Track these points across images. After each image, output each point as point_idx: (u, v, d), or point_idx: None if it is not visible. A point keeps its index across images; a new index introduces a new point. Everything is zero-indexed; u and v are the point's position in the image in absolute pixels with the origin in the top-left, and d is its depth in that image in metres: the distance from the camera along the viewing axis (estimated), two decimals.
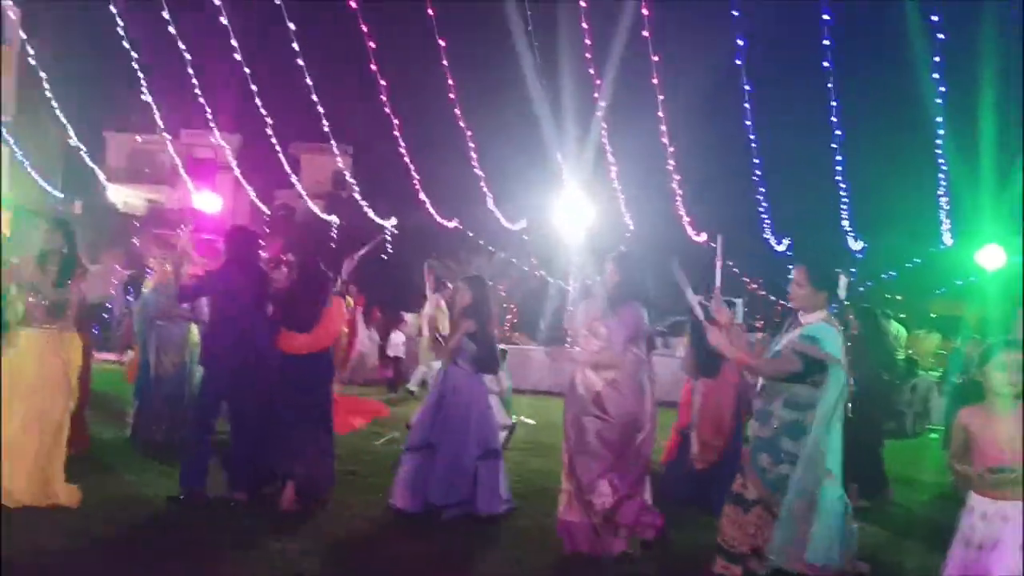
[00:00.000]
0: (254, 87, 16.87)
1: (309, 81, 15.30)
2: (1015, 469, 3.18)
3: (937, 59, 13.51)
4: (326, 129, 16.36)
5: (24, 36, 16.01)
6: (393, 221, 21.70)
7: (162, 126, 20.02)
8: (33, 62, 17.61)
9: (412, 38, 14.27)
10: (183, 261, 6.17)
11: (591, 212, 17.58)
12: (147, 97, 16.97)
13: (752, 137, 14.82)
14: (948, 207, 16.44)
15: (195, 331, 7.58)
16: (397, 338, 14.26)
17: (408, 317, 14.64)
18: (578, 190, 17.02)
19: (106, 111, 33.09)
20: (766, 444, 4.03)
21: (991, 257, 16.84)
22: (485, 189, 17.42)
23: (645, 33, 13.77)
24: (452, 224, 20.45)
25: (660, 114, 14.70)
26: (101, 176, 23.64)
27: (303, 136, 31.80)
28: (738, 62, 13.00)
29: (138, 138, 38.05)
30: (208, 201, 21.48)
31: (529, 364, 14.14)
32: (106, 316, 20.24)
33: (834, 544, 3.88)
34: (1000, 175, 15.41)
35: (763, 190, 16.11)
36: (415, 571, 4.70)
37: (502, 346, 11.68)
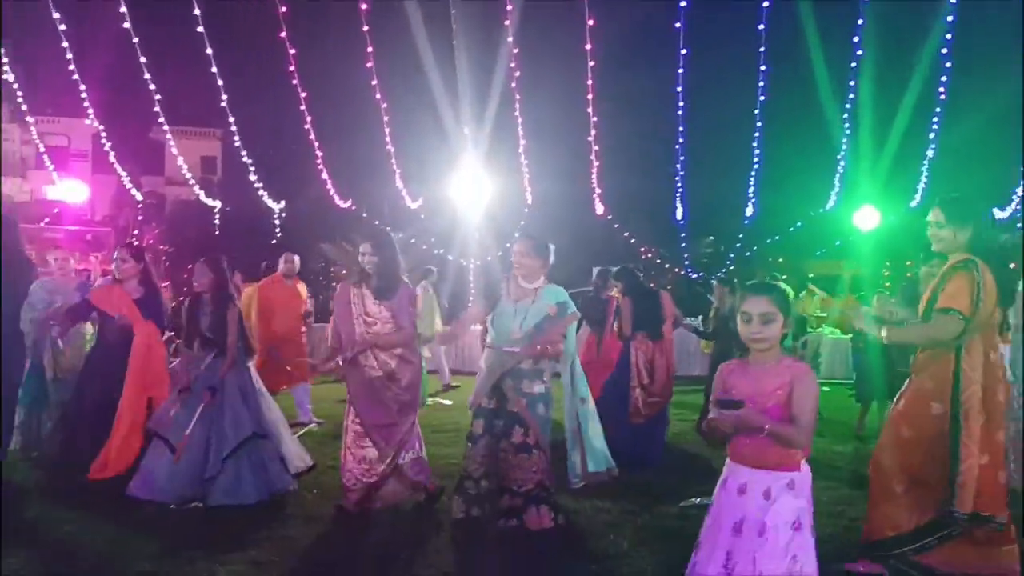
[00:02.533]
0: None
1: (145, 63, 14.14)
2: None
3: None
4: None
5: None
6: (282, 204, 20.72)
7: (28, 112, 18.08)
8: None
9: (299, 6, 13.46)
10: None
11: (489, 188, 17.44)
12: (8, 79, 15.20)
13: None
14: (842, 169, 17.34)
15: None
16: None
17: None
18: (477, 166, 16.82)
19: None
20: (542, 396, 4.70)
21: (867, 218, 18.09)
22: (395, 165, 16.85)
23: None
24: (346, 205, 19.71)
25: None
26: None
27: (169, 120, 29.94)
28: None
29: None
30: (73, 190, 19.80)
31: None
32: None
33: (599, 454, 4.79)
34: (878, 135, 16.42)
35: (678, 167, 16.36)
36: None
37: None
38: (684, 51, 13.33)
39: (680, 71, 13.91)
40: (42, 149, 21.51)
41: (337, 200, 19.04)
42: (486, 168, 17.15)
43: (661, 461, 6.80)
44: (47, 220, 23.62)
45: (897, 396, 4.05)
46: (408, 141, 18.49)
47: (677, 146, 15.83)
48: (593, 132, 15.17)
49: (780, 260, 22.03)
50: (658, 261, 20.51)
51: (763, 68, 14.79)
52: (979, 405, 3.67)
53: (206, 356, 5.51)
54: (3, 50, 14.27)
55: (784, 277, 16.68)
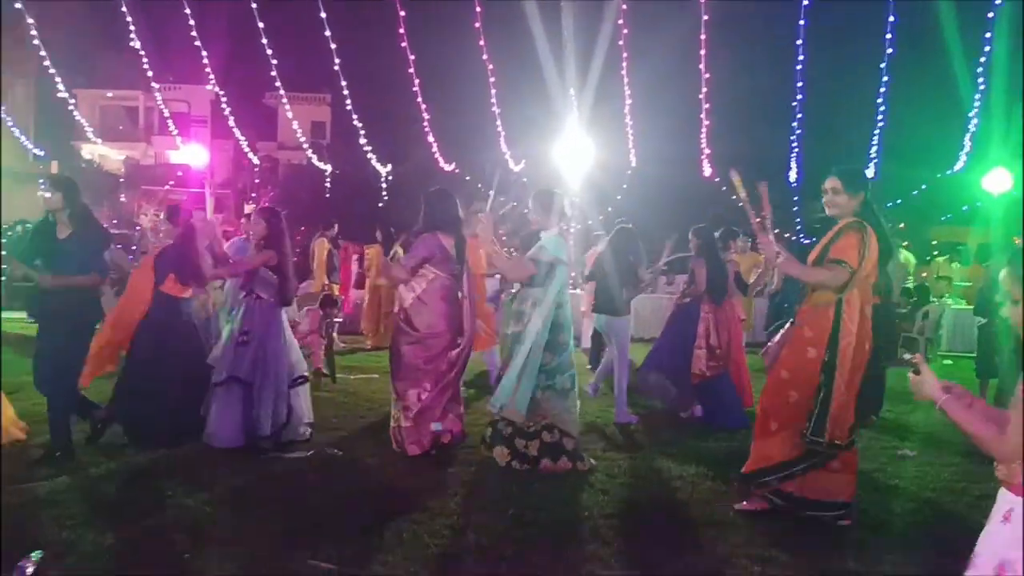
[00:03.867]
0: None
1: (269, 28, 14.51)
2: None
3: None
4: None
5: None
6: (388, 168, 21.16)
7: (152, 79, 19.10)
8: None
9: None
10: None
11: (592, 151, 17.21)
12: (135, 47, 16.05)
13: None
14: (973, 130, 16.14)
15: None
16: None
17: None
18: (580, 128, 16.62)
19: (72, 68, 31.94)
20: (520, 335, 5.17)
21: (998, 181, 16.80)
22: (500, 128, 16.89)
23: None
24: (450, 168, 19.93)
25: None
26: (90, 133, 22.71)
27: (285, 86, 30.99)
28: None
29: (108, 94, 36.82)
30: (195, 154, 20.85)
31: None
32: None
33: (525, 397, 5.12)
34: (1013, 91, 15.14)
35: (795, 126, 15.59)
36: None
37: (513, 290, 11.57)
38: (805, 2, 12.60)
39: (801, 23, 13.16)
40: (167, 115, 22.63)
41: (441, 163, 19.27)
42: (589, 130, 16.94)
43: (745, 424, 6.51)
44: (171, 183, 25.03)
45: (777, 344, 4.61)
46: (513, 103, 18.45)
47: (795, 103, 15.06)
48: (704, 90, 14.67)
49: (901, 226, 20.82)
50: (768, 224, 19.71)
51: (890, 19, 13.79)
52: (851, 352, 4.21)
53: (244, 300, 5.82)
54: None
55: (906, 244, 15.89)
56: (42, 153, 26.11)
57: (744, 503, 4.57)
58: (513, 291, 5.83)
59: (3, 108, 21.53)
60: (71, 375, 5.26)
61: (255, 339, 5.64)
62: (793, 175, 17.98)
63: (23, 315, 9.88)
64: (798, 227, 20.88)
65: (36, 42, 17.18)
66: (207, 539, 3.93)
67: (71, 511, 4.25)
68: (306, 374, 6.07)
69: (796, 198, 19.92)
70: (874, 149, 16.91)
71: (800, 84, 14.42)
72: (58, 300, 5.11)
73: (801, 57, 13.80)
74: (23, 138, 24.78)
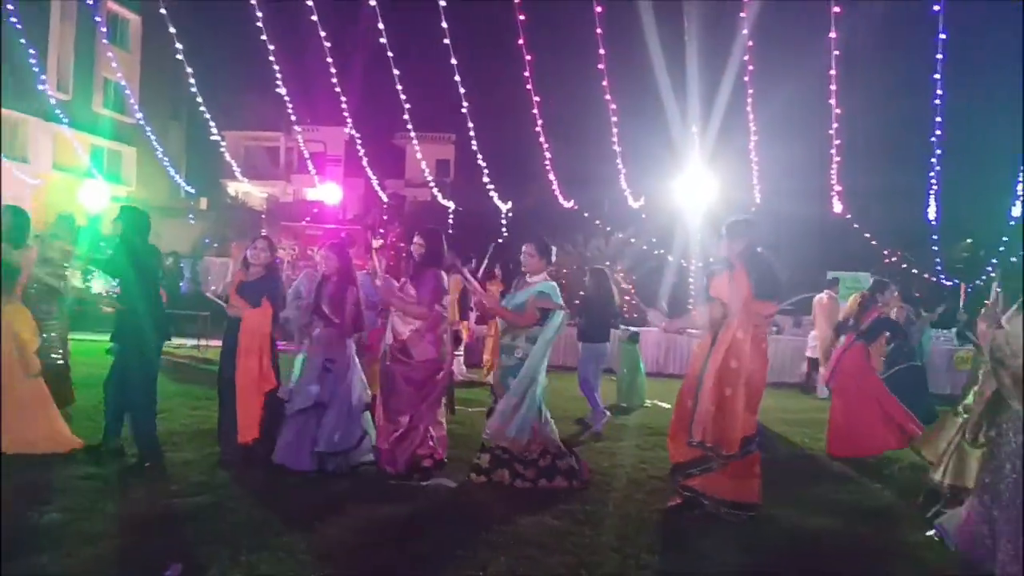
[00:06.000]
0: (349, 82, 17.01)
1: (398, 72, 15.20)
2: None
3: None
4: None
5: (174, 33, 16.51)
6: (508, 204, 21.59)
7: (295, 121, 20.47)
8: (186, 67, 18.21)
9: (529, 16, 13.93)
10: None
11: (714, 186, 16.93)
12: (280, 93, 17.29)
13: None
14: None
15: None
16: None
17: None
18: (702, 164, 16.39)
19: (220, 111, 34.65)
20: (512, 369, 5.63)
21: None
22: (620, 165, 16.97)
23: None
24: (569, 204, 20.11)
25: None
26: (237, 172, 24.51)
27: (412, 127, 32.35)
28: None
29: (251, 136, 39.68)
30: (330, 192, 22.12)
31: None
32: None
33: (524, 427, 5.56)
34: None
35: (933, 161, 14.79)
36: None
37: (633, 328, 11.47)
38: (943, 36, 12.02)
39: (939, 57, 12.54)
40: (307, 155, 24.10)
41: (560, 200, 19.48)
42: (712, 166, 16.67)
43: None
44: (308, 219, 26.51)
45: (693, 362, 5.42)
46: (634, 141, 18.47)
47: (933, 138, 14.29)
48: (835, 125, 14.17)
49: None
50: (904, 265, 18.62)
51: None
52: (718, 370, 5.10)
53: (320, 329, 6.14)
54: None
55: None
56: (192, 190, 28.33)
57: (675, 499, 5.30)
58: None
59: (160, 150, 23.55)
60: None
61: (336, 366, 6.03)
62: (932, 212, 16.96)
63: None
64: (937, 266, 19.64)
65: (193, 89, 18.79)
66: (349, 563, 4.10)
67: (210, 527, 4.55)
68: (370, 402, 6.31)
69: (935, 236, 18.77)
70: (1021, 187, 15.73)
71: (939, 119, 13.67)
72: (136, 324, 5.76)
73: (939, 92, 13.10)
74: (176, 176, 26.95)
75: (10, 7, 18.64)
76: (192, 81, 18.60)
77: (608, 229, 20.88)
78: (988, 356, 4.29)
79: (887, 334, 8.63)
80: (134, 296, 5.84)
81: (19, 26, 18.34)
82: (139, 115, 23.85)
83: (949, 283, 19.44)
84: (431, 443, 5.96)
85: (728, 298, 5.16)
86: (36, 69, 21.05)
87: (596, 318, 8.88)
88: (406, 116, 16.47)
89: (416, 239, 6.00)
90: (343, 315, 6.10)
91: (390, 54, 14.43)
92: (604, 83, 14.88)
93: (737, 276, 5.17)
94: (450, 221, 22.57)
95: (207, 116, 19.68)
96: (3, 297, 5.79)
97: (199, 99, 19.06)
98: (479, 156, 18.23)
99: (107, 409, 6.00)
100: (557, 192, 18.88)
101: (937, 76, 12.95)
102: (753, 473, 5.17)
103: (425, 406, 5.89)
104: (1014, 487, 4.04)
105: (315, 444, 5.89)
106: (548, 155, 16.91)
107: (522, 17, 13.46)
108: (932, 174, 15.26)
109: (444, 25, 13.64)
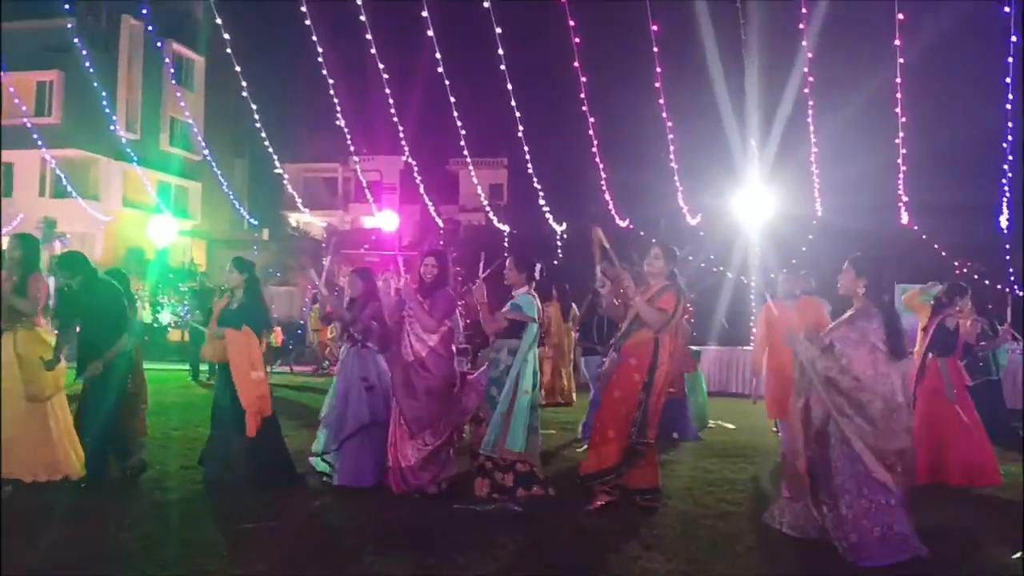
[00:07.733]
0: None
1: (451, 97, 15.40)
2: None
3: None
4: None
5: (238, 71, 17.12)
6: (563, 226, 21.56)
7: (352, 152, 20.96)
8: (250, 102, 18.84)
9: (582, 33, 13.97)
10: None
11: (774, 201, 16.60)
12: (340, 125, 17.71)
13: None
14: None
15: None
16: None
17: None
18: (761, 179, 16.11)
19: (278, 145, 35.67)
20: (496, 380, 5.71)
21: None
22: (677, 183, 16.82)
23: None
24: (624, 224, 19.97)
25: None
26: (299, 203, 25.20)
27: (467, 152, 32.77)
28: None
29: (310, 168, 40.68)
30: (387, 219, 22.48)
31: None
32: (300, 331, 21.56)
33: (519, 437, 5.58)
34: None
35: (1005, 167, 14.24)
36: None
37: (695, 347, 11.24)
38: (1014, 38, 11.58)
39: (1010, 60, 12.08)
40: (364, 184, 24.59)
41: (616, 220, 19.37)
42: (772, 180, 16.36)
43: None
44: (366, 246, 26.94)
45: (608, 372, 5.90)
46: (691, 157, 18.29)
47: (1005, 144, 13.75)
48: (901, 135, 13.76)
49: None
50: (975, 276, 17.86)
51: None
52: (665, 377, 5.68)
53: (351, 349, 6.37)
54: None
55: None
56: (256, 222, 29.16)
57: (596, 502, 5.58)
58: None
59: (224, 184, 24.29)
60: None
61: (376, 383, 6.24)
62: (1004, 220, 16.27)
63: None
64: (1011, 276, 18.77)
65: (257, 125, 19.39)
66: None
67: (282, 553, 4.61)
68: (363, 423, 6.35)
69: (1007, 246, 17.97)
70: None
71: (1011, 125, 13.15)
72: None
73: (1011, 96, 12.60)
74: (241, 209, 27.76)
75: (84, 52, 19.56)
76: (256, 117, 19.20)
77: (667, 245, 20.59)
78: None
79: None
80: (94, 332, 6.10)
81: (92, 71, 19.23)
82: (205, 152, 24.70)
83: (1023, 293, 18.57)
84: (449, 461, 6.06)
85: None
86: (107, 111, 22.01)
87: None
88: (462, 142, 16.62)
89: (428, 260, 6.17)
90: (371, 336, 6.34)
91: (447, 82, 14.65)
92: (660, 101, 14.79)
93: (670, 296, 5.61)
94: (505, 244, 22.64)
95: (270, 150, 20.27)
96: (15, 325, 5.91)
97: (263, 134, 19.66)
98: (535, 179, 18.29)
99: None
100: (612, 211, 18.75)
101: (1008, 80, 12.48)
102: (654, 461, 5.81)
103: (452, 416, 5.97)
104: None
105: (380, 458, 6.06)
106: (603, 175, 16.84)
107: (577, 40, 13.52)
108: (1004, 181, 14.66)
109: (500, 52, 13.79)
